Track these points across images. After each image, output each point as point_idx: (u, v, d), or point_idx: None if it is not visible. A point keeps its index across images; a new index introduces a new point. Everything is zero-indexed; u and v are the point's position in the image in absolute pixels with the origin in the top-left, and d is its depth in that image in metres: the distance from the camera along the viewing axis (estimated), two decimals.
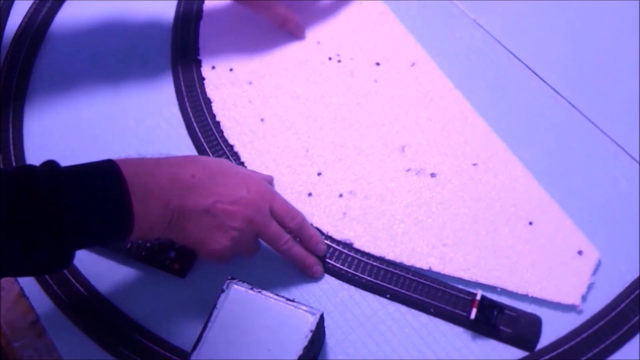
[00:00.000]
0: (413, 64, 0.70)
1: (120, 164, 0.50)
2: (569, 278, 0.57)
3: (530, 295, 0.57)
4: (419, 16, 0.74)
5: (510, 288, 0.57)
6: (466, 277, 0.58)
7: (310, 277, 0.59)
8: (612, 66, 0.68)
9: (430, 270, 0.59)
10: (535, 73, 0.69)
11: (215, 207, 0.53)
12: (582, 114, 0.66)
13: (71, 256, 0.49)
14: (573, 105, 0.66)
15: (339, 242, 0.61)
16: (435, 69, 0.70)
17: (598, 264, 0.58)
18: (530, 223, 0.60)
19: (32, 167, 0.48)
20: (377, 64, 0.71)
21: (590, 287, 0.57)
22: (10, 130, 0.70)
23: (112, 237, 0.51)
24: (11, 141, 0.70)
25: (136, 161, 0.52)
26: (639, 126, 0.64)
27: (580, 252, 0.58)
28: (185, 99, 0.71)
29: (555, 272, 0.57)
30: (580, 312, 0.56)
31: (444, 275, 0.58)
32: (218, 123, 0.69)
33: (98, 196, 0.48)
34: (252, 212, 0.55)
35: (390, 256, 0.60)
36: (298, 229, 0.58)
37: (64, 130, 0.70)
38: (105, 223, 0.49)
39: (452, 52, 0.71)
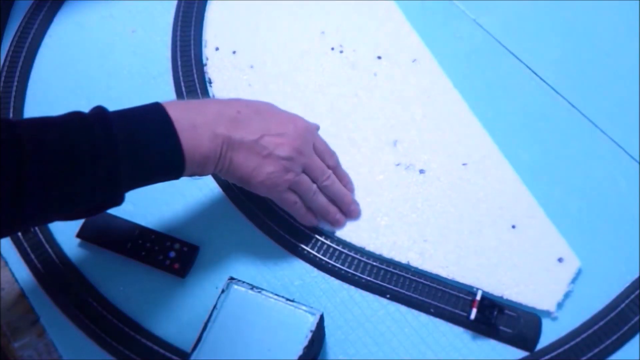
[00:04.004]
0: (414, 61, 0.71)
1: (166, 104, 0.51)
2: (546, 284, 0.57)
3: (505, 297, 0.57)
4: (419, 16, 0.74)
5: (487, 289, 0.57)
6: (444, 274, 0.58)
7: (348, 217, 0.61)
8: (612, 66, 0.68)
9: (409, 265, 0.59)
10: (535, 73, 0.69)
11: (263, 139, 0.54)
12: (582, 114, 0.66)
13: (123, 196, 0.50)
14: (573, 106, 0.66)
15: (339, 242, 0.61)
16: (436, 67, 0.70)
17: (578, 273, 0.58)
18: (514, 227, 0.60)
19: (82, 113, 0.49)
20: (379, 57, 0.71)
21: (567, 295, 0.57)
22: None
23: (166, 172, 0.51)
24: None
25: (181, 102, 0.54)
26: (639, 126, 0.64)
27: (560, 260, 0.58)
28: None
29: (534, 277, 0.57)
30: (554, 319, 0.56)
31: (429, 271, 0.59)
32: None
33: (149, 131, 0.49)
34: (300, 144, 0.56)
35: (370, 247, 0.60)
36: (335, 167, 0.60)
37: None
38: (158, 156, 0.50)
39: (452, 51, 0.71)
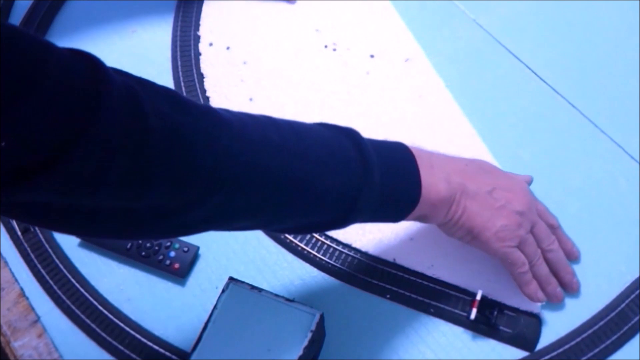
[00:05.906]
0: (407, 60, 0.71)
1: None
2: None
3: (489, 297, 0.57)
4: (419, 16, 0.74)
5: (471, 289, 0.57)
6: (429, 273, 0.58)
7: (568, 290, 0.57)
8: (612, 66, 0.68)
9: (395, 262, 0.59)
10: (535, 73, 0.69)
11: (496, 192, 0.53)
12: (582, 114, 0.66)
13: (349, 221, 0.49)
14: (573, 106, 0.66)
15: (339, 242, 0.61)
16: (429, 66, 0.70)
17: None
18: None
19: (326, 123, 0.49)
20: (372, 56, 0.71)
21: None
22: None
23: (396, 206, 0.49)
24: None
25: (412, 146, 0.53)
26: (639, 126, 0.64)
27: None
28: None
29: None
30: (540, 319, 0.56)
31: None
32: (208, 98, 0.70)
33: (395, 161, 0.49)
34: (529, 201, 0.55)
35: (357, 244, 0.60)
36: (556, 228, 0.58)
37: None
38: (397, 185, 0.48)
39: (452, 51, 0.71)
